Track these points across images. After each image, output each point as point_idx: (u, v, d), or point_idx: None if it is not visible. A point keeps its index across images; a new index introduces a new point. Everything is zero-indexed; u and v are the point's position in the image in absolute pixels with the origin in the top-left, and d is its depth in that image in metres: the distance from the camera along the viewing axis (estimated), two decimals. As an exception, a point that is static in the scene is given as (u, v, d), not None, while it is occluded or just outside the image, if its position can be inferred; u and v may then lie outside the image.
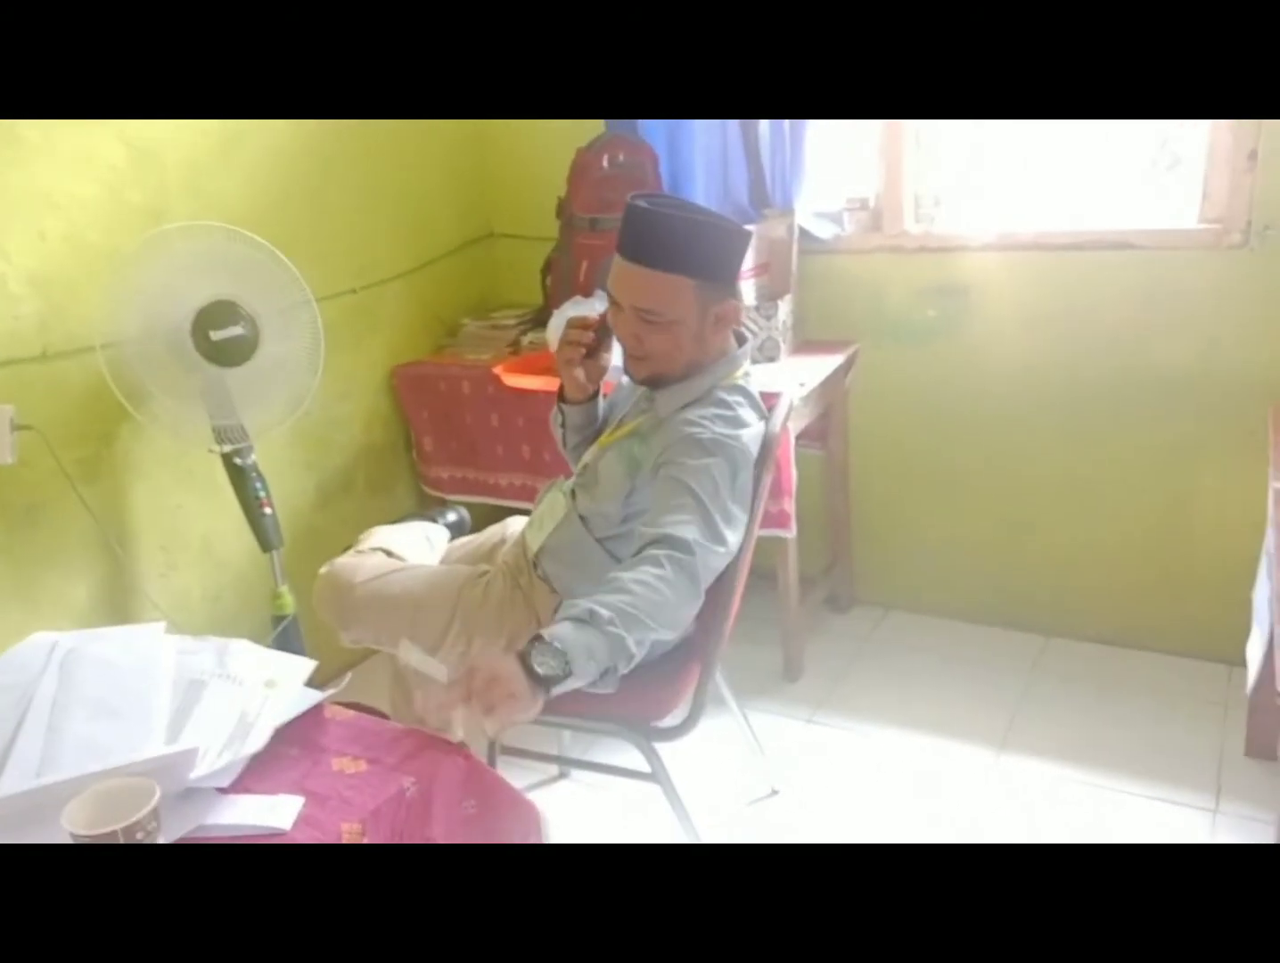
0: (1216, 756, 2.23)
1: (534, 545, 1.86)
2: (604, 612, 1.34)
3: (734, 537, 1.58)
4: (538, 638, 1.30)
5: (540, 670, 1.26)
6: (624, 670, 1.39)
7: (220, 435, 2.16)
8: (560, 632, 1.31)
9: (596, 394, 1.87)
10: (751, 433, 1.68)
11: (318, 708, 1.27)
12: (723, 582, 1.74)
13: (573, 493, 1.83)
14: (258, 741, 1.17)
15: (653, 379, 1.71)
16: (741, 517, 1.62)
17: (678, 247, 1.56)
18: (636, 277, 1.59)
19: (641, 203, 1.58)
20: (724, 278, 1.62)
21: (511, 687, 1.23)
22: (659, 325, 1.61)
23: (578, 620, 1.34)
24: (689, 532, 1.49)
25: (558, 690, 1.29)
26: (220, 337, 2.09)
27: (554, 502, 1.86)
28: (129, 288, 2.01)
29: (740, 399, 1.70)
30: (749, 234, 1.68)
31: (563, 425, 1.91)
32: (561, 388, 1.87)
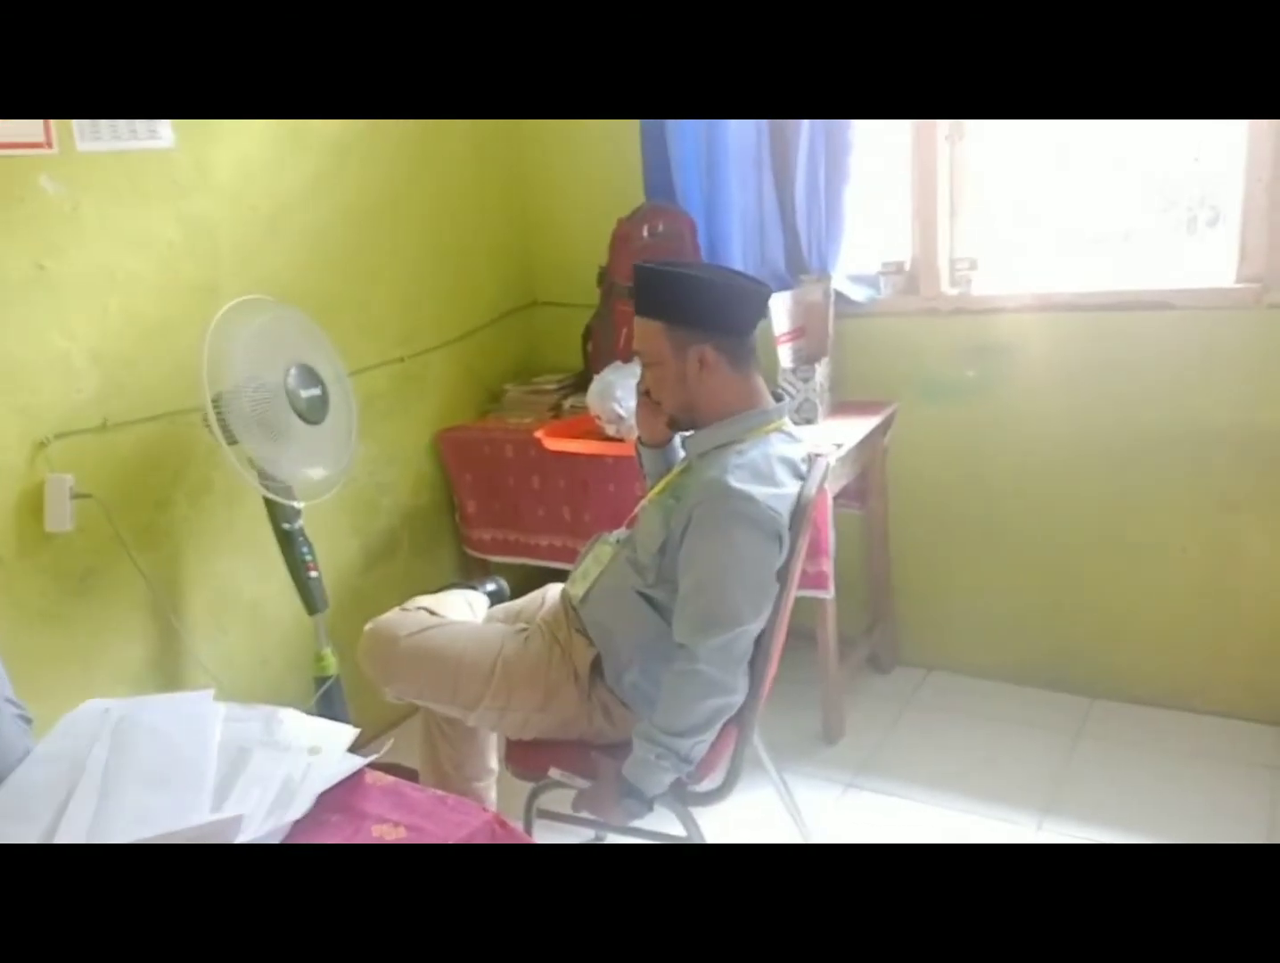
0: (1267, 820, 2.18)
1: (577, 595, 1.91)
2: (652, 757, 1.69)
3: (751, 610, 1.70)
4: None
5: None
6: (691, 767, 1.73)
7: (288, 491, 2.24)
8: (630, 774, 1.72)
9: (670, 441, 1.96)
10: (780, 493, 1.72)
11: (359, 774, 1.30)
12: (758, 646, 1.77)
13: (622, 542, 1.92)
14: (301, 807, 1.20)
15: (671, 423, 1.88)
16: (762, 588, 1.72)
17: (650, 294, 1.78)
18: (635, 324, 1.82)
19: (640, 263, 1.81)
20: (690, 322, 1.75)
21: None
22: (650, 368, 1.83)
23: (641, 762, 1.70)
24: (687, 634, 1.70)
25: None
26: (308, 395, 2.20)
27: (600, 553, 1.95)
28: (230, 344, 2.10)
29: (776, 458, 1.75)
30: (735, 287, 1.79)
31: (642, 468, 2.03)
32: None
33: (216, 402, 2.05)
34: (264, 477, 2.14)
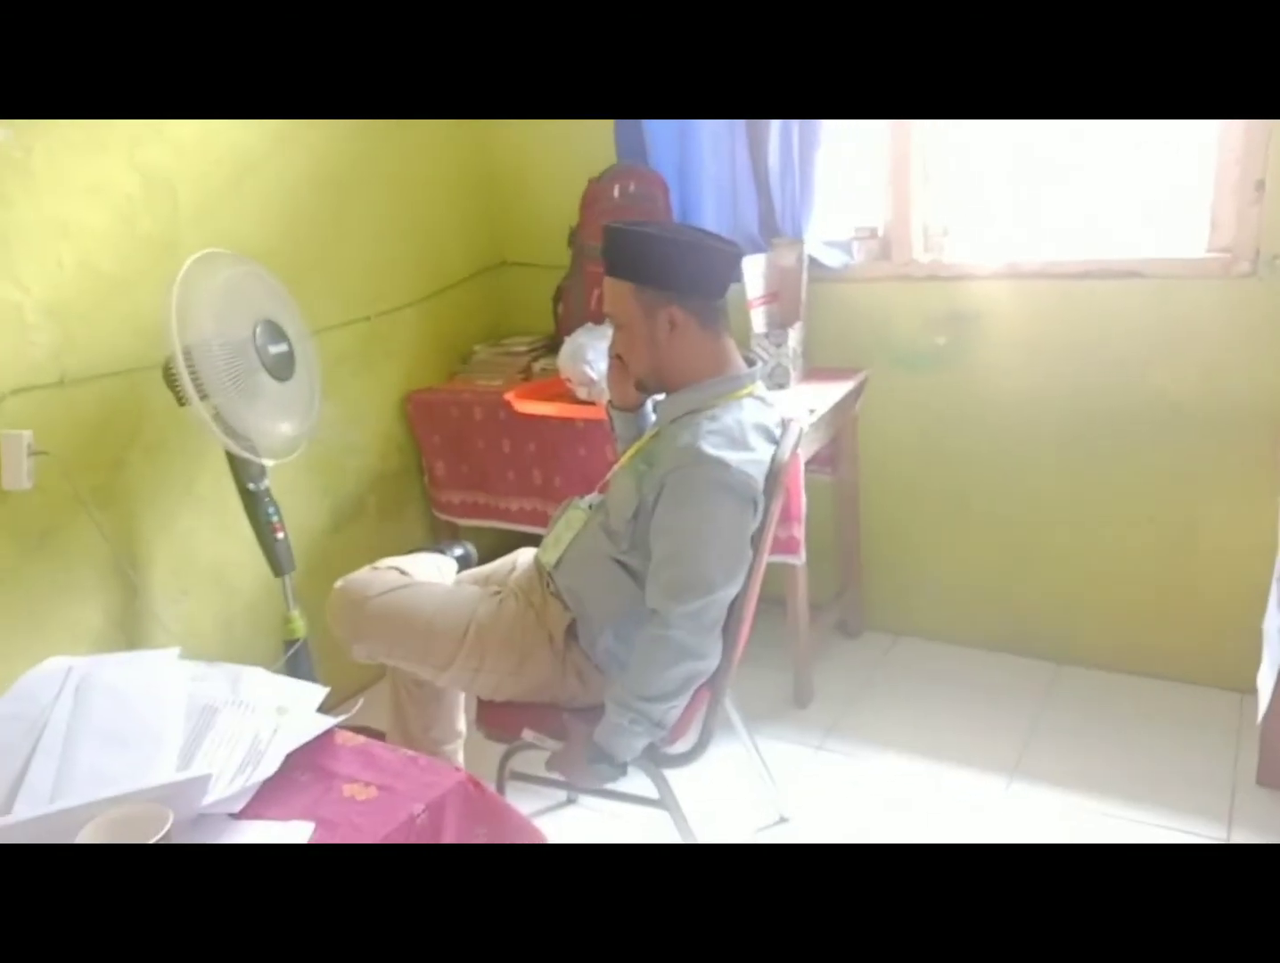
0: (1229, 784, 2.22)
1: (550, 561, 1.89)
2: (625, 722, 1.69)
3: (724, 576, 1.69)
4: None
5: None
6: (664, 732, 1.73)
7: (253, 449, 2.18)
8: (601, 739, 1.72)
9: (642, 405, 1.93)
10: (754, 458, 1.71)
11: (329, 734, 1.28)
12: (730, 610, 1.76)
13: (594, 508, 1.91)
14: (269, 767, 1.18)
15: (641, 387, 1.85)
16: (736, 555, 1.71)
17: (619, 255, 1.76)
18: (604, 285, 1.81)
19: (609, 223, 1.79)
20: (659, 283, 1.73)
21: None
22: (620, 330, 1.81)
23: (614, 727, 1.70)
24: (660, 601, 1.69)
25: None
26: (276, 351, 2.14)
27: (572, 518, 1.93)
28: (196, 297, 2.02)
29: (749, 424, 1.74)
30: (705, 248, 1.76)
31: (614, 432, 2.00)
32: None
33: (186, 356, 1.99)
34: (230, 434, 2.09)
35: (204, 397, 2.01)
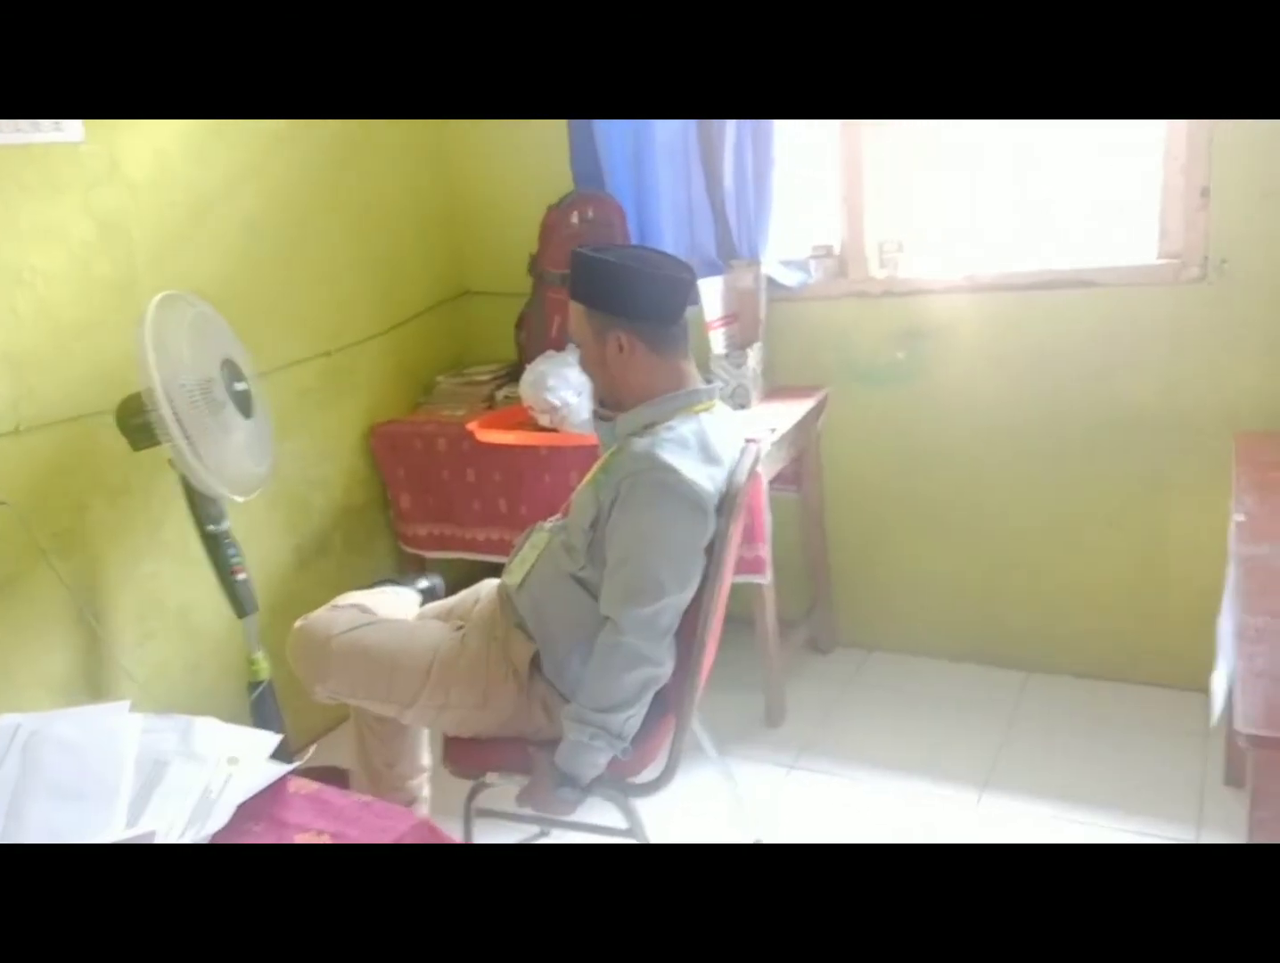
0: (1198, 785, 2.23)
1: (514, 582, 1.89)
2: (585, 739, 1.69)
3: (675, 581, 1.71)
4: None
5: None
6: (625, 743, 1.72)
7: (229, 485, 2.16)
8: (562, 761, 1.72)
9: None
10: (706, 471, 1.73)
11: (281, 782, 1.27)
12: (692, 631, 1.76)
13: (557, 529, 1.91)
14: (220, 819, 1.16)
15: (601, 403, 1.89)
16: (687, 561, 1.72)
17: (577, 279, 1.81)
18: (569, 307, 1.85)
19: (576, 247, 1.81)
20: (608, 308, 1.77)
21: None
22: (580, 349, 1.86)
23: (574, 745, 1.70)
24: (612, 606, 1.71)
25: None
26: (240, 388, 2.14)
27: (536, 540, 1.93)
28: (166, 336, 2.00)
29: (704, 436, 1.76)
30: (655, 276, 1.78)
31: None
32: None
33: (164, 392, 1.95)
34: (202, 471, 2.06)
35: (170, 440, 1.98)
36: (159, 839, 1.10)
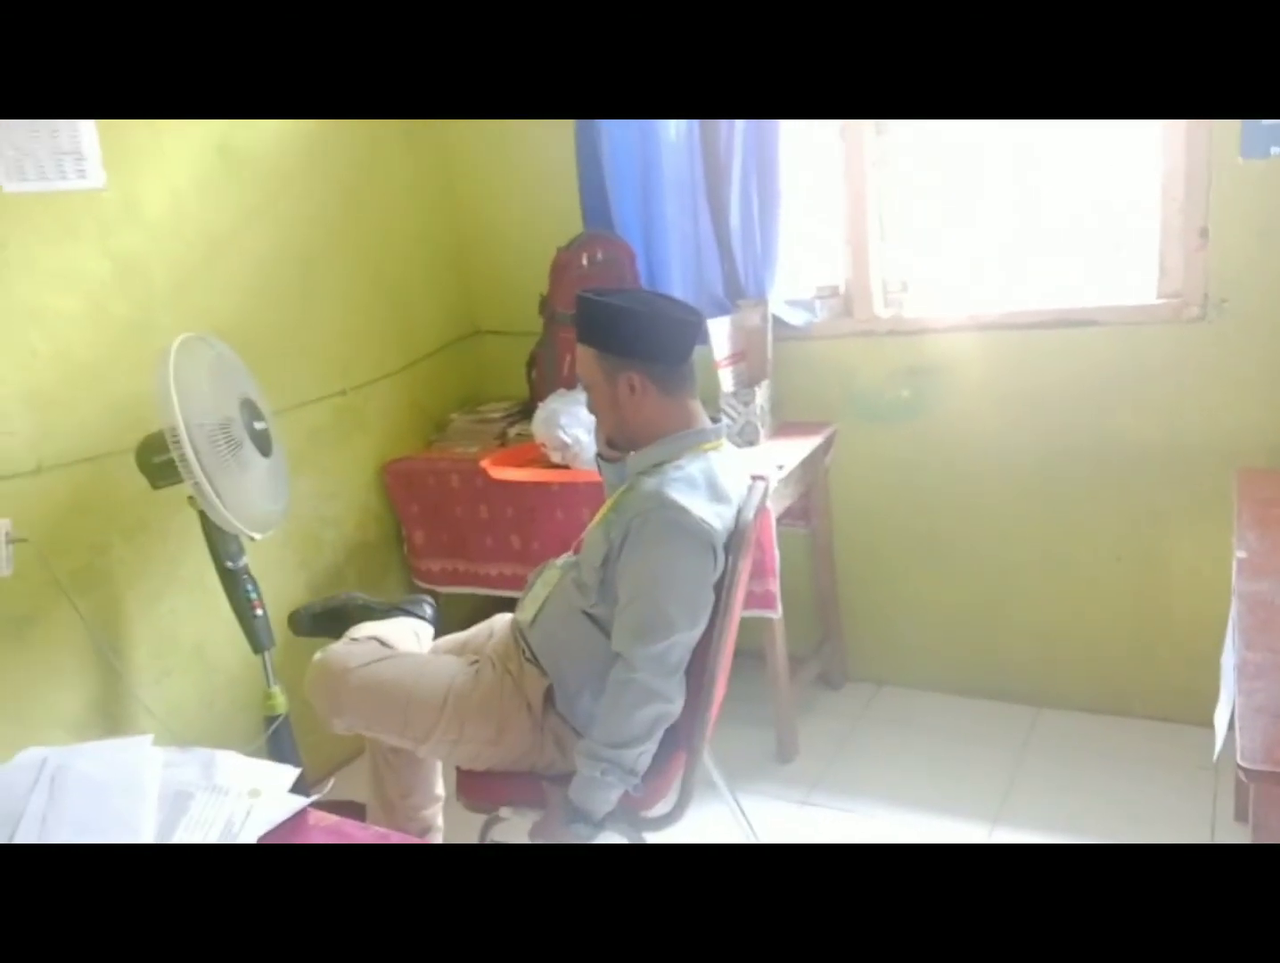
0: (1208, 821, 2.24)
1: (526, 619, 1.92)
2: (597, 774, 1.71)
3: (685, 619, 1.73)
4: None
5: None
6: (637, 779, 1.74)
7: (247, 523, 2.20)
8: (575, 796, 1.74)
9: (624, 457, 1.95)
10: (714, 509, 1.76)
11: (302, 815, 1.29)
12: (702, 664, 1.79)
13: (569, 566, 1.95)
14: (242, 850, 1.19)
15: (610, 443, 1.92)
16: (696, 598, 1.75)
17: (586, 323, 1.85)
18: (577, 350, 1.89)
19: (581, 291, 1.86)
20: (619, 350, 1.82)
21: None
22: (589, 391, 1.89)
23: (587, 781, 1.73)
24: (624, 643, 1.74)
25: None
26: (260, 427, 2.18)
27: (548, 577, 1.97)
28: (187, 375, 2.05)
29: (712, 475, 1.80)
30: (664, 318, 1.83)
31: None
32: None
33: (176, 433, 2.00)
34: (214, 513, 2.10)
35: (203, 472, 2.03)
36: (184, 870, 1.13)
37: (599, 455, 1.99)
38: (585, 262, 2.92)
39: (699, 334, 1.90)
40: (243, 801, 1.26)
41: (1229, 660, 1.67)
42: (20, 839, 1.21)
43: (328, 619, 2.27)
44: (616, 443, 1.91)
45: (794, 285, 2.85)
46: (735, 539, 1.79)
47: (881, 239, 2.77)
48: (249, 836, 1.21)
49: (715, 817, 2.25)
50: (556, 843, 1.80)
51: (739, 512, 1.82)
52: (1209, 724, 2.51)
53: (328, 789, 1.37)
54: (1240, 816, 2.20)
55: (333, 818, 1.29)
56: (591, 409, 1.91)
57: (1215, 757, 1.80)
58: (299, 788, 1.37)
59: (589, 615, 1.84)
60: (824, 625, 2.99)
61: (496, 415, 3.06)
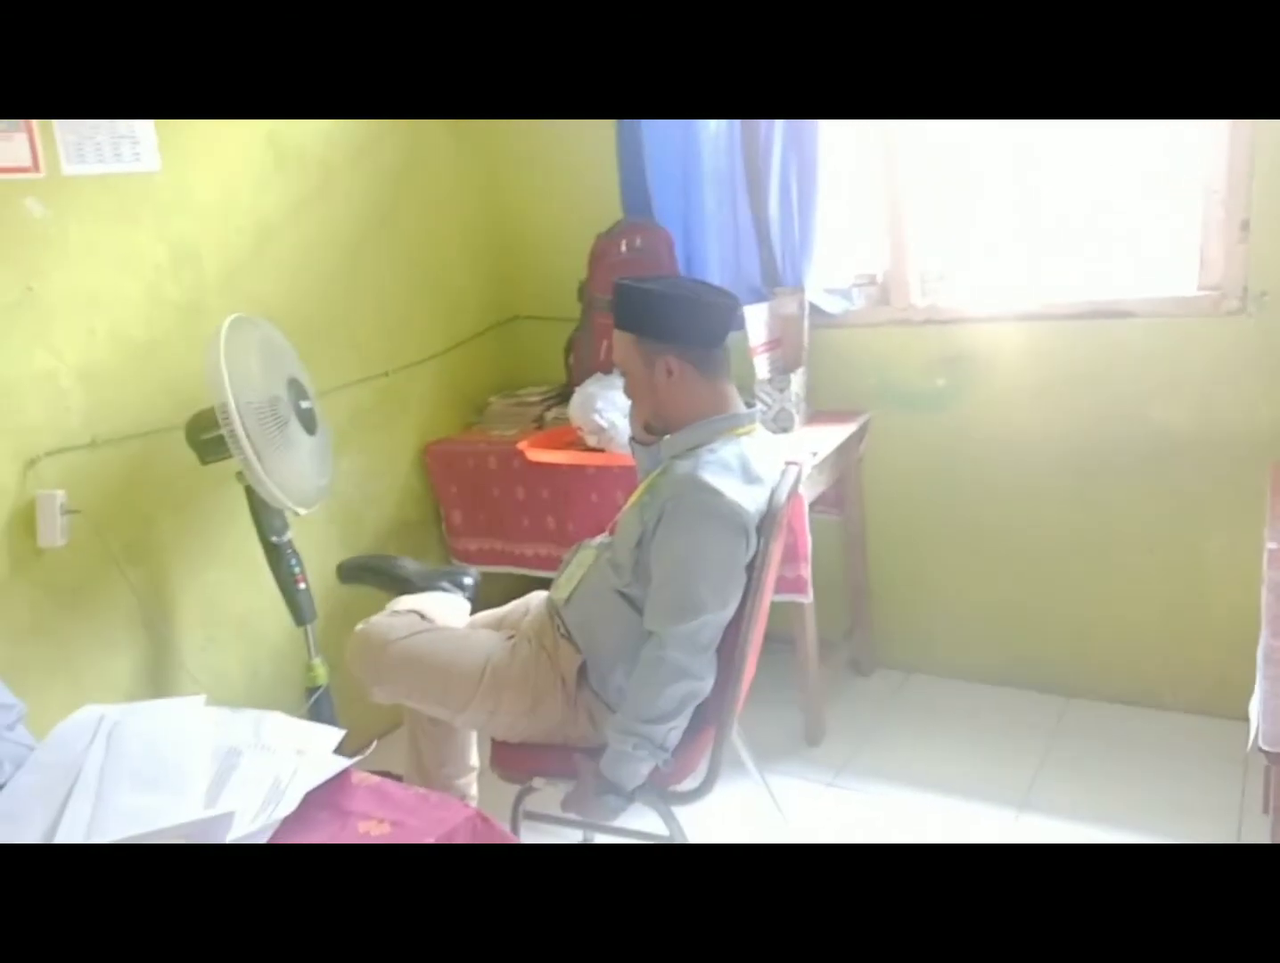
0: (1236, 812, 2.24)
1: (561, 598, 1.97)
2: (628, 748, 1.76)
3: (715, 599, 1.77)
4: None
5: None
6: (667, 754, 1.79)
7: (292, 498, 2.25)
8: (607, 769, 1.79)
9: (658, 441, 1.98)
10: (748, 492, 1.80)
11: (345, 774, 1.34)
12: (733, 643, 1.83)
13: (604, 546, 1.99)
14: (289, 805, 1.24)
15: (648, 428, 1.94)
16: (728, 579, 1.79)
17: (624, 309, 1.89)
18: (613, 335, 1.93)
19: (618, 279, 1.91)
20: (657, 335, 1.85)
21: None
22: (626, 376, 1.92)
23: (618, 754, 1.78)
24: (656, 622, 1.78)
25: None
26: (305, 406, 2.25)
27: (583, 557, 2.02)
28: (237, 354, 2.11)
29: (746, 458, 1.83)
30: (700, 302, 1.87)
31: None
32: None
33: (227, 411, 2.06)
34: (261, 487, 2.16)
35: (243, 454, 2.08)
36: (236, 820, 1.18)
37: (633, 439, 2.03)
38: (624, 248, 2.96)
39: (735, 318, 1.93)
40: (290, 759, 1.32)
41: (1264, 652, 1.69)
42: (80, 790, 1.27)
43: (372, 573, 2.38)
44: (653, 427, 1.94)
45: (832, 274, 2.86)
46: (767, 521, 1.82)
47: (920, 228, 2.77)
48: (296, 791, 1.26)
49: (743, 793, 2.29)
50: (587, 815, 1.86)
51: (772, 493, 1.85)
52: (1241, 717, 2.51)
53: (370, 751, 1.43)
54: (1269, 807, 2.20)
55: (374, 777, 1.35)
56: (628, 393, 1.95)
57: (1249, 748, 1.81)
58: (340, 754, 1.42)
59: (623, 595, 1.89)
60: (854, 612, 3.01)
61: (534, 399, 3.11)
